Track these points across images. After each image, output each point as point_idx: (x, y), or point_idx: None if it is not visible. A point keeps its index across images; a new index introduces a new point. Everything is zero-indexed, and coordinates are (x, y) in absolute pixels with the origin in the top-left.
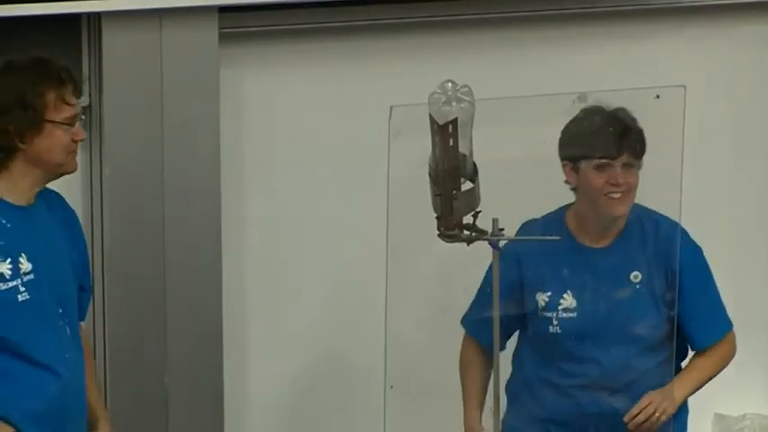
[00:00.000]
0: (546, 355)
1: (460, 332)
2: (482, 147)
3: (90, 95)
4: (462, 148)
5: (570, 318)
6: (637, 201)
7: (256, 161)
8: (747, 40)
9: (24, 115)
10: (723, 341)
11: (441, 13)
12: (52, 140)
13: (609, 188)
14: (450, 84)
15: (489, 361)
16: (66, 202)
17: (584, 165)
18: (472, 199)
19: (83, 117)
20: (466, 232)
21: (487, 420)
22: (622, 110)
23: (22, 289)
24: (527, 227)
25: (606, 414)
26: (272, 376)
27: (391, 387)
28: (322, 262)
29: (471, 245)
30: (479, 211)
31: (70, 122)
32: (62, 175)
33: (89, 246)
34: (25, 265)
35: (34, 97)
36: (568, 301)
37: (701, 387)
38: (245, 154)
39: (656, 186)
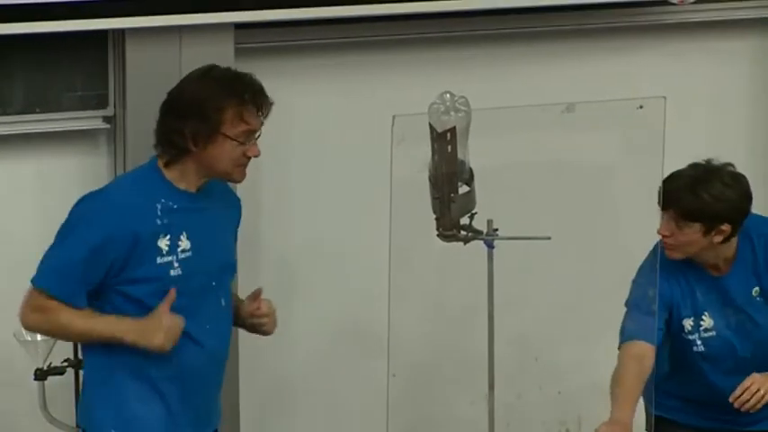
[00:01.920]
0: (690, 373)
1: (458, 323)
2: (478, 153)
3: (115, 106)
4: (460, 155)
5: (711, 336)
6: (621, 203)
7: (270, 167)
8: (726, 55)
9: (201, 124)
10: None
11: (439, 29)
12: (222, 151)
13: (659, 234)
14: (448, 95)
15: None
16: (230, 188)
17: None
18: (469, 201)
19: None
20: (463, 232)
21: None
22: (724, 174)
23: (176, 265)
24: (664, 260)
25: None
26: (280, 365)
27: (394, 375)
28: (330, 259)
29: (468, 244)
30: (475, 213)
31: (243, 139)
32: (230, 182)
33: None
34: (184, 243)
35: (214, 110)
36: (707, 321)
37: None
38: (260, 160)
39: (638, 191)
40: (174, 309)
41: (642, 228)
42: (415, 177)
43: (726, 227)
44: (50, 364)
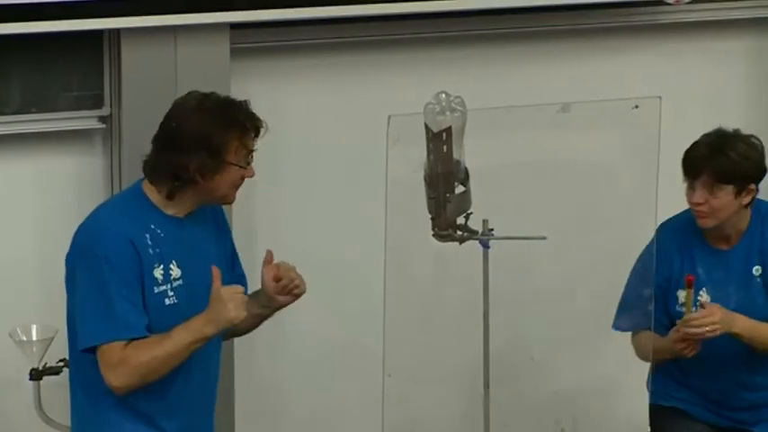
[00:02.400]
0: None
1: (453, 322)
2: (473, 153)
3: (110, 106)
4: (455, 155)
5: None
6: (617, 203)
7: (264, 167)
8: (721, 55)
9: (208, 157)
10: None
11: (435, 29)
12: (226, 178)
13: (692, 205)
14: (444, 95)
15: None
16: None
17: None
18: (464, 201)
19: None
20: (458, 232)
21: None
22: (741, 137)
23: (171, 293)
24: (666, 225)
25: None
26: (276, 366)
27: (389, 375)
28: (325, 259)
29: (463, 244)
30: (471, 213)
31: (245, 163)
32: (224, 204)
33: None
34: (175, 272)
35: (220, 143)
36: (704, 297)
37: (758, 339)
38: (255, 161)
39: (634, 190)
40: None
41: (638, 227)
42: (411, 177)
43: (752, 186)
44: (46, 364)
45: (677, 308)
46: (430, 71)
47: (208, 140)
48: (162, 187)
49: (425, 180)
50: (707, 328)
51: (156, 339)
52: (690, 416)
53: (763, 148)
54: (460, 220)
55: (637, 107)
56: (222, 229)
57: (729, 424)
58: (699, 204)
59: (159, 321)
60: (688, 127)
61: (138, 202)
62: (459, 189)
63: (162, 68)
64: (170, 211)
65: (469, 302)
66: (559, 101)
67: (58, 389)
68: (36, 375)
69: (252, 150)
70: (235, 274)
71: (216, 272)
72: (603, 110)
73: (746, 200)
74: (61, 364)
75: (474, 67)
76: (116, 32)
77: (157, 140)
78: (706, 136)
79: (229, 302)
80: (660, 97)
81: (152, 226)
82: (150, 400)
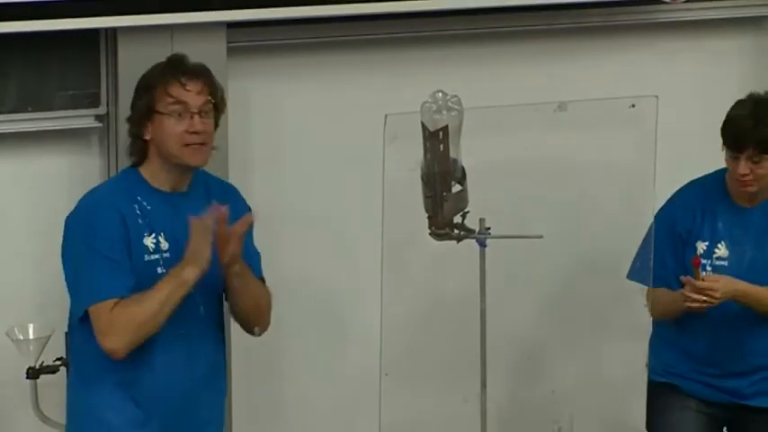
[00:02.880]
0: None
1: (451, 321)
2: (470, 152)
3: (107, 105)
4: (452, 153)
5: (722, 265)
6: (613, 202)
7: (262, 165)
8: (718, 54)
9: (139, 109)
10: None
11: (431, 28)
12: (162, 130)
13: (738, 176)
14: (440, 94)
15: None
16: (225, 185)
17: (725, 151)
18: (461, 200)
19: (213, 111)
20: (455, 231)
21: None
22: (760, 104)
23: (161, 263)
24: (693, 182)
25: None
26: (272, 365)
27: (386, 374)
28: (322, 257)
29: (460, 243)
30: (467, 212)
31: (175, 113)
32: (188, 167)
33: None
34: (163, 244)
35: (144, 91)
36: (722, 250)
37: (759, 305)
38: (252, 159)
39: (631, 189)
40: None
41: (635, 225)
42: (408, 176)
43: None
44: (42, 362)
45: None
46: (427, 70)
47: (138, 93)
48: (131, 155)
49: (422, 179)
50: (705, 298)
51: (140, 295)
52: (683, 392)
53: None
54: (457, 219)
55: (633, 106)
56: (234, 212)
57: (724, 398)
58: (745, 175)
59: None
60: (684, 126)
61: (127, 179)
62: (456, 188)
63: None
64: (155, 185)
65: (466, 301)
66: (556, 100)
67: (54, 388)
68: (33, 374)
69: (184, 102)
70: (247, 251)
71: (192, 221)
72: (600, 109)
73: None
74: (58, 362)
75: (470, 65)
76: (113, 31)
77: None
78: (741, 107)
79: (198, 241)
80: (657, 96)
81: (139, 198)
82: (136, 382)
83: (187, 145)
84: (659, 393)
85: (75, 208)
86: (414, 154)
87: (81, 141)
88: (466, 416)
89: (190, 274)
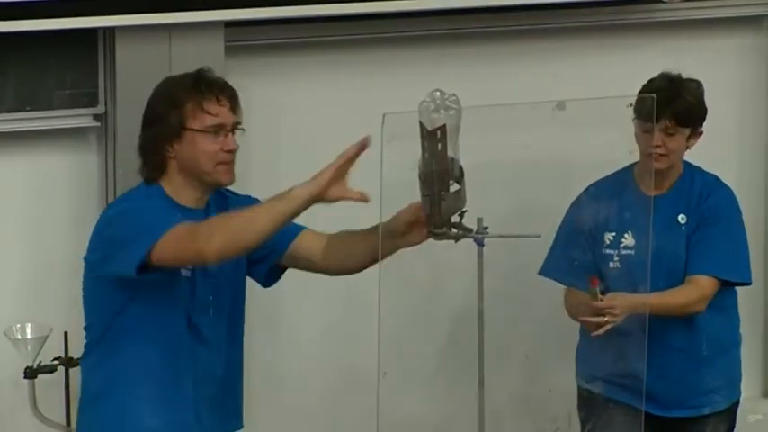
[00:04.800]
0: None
1: (449, 320)
2: (468, 151)
3: (105, 104)
4: (450, 152)
5: (629, 254)
6: None
7: (260, 164)
8: (717, 53)
9: (168, 126)
10: (705, 280)
11: (430, 27)
12: (194, 148)
13: (651, 148)
14: (438, 93)
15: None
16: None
17: (636, 125)
18: (459, 200)
19: (243, 129)
20: (453, 230)
21: None
22: (688, 81)
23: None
24: (599, 182)
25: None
26: (269, 364)
27: (384, 373)
28: None
29: (458, 242)
30: (465, 211)
31: (212, 131)
32: (218, 185)
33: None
34: None
35: (172, 108)
36: (629, 240)
37: (662, 312)
38: (250, 158)
39: None
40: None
41: None
42: (406, 175)
43: (701, 129)
44: (40, 362)
45: (603, 250)
46: (425, 69)
47: (161, 108)
48: (145, 170)
49: (420, 178)
50: (606, 318)
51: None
52: (612, 401)
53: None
54: (455, 218)
55: (631, 105)
56: None
57: (649, 407)
58: (657, 147)
59: (170, 291)
60: None
61: (154, 194)
62: (454, 187)
63: (156, 66)
64: (180, 201)
65: (464, 300)
66: (555, 98)
67: (52, 387)
68: (31, 374)
69: (221, 121)
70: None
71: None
72: (599, 108)
73: (693, 143)
74: (56, 362)
75: (469, 64)
76: (111, 30)
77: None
78: (657, 81)
79: (329, 167)
80: (654, 96)
81: (174, 211)
82: (167, 369)
83: (220, 163)
84: (590, 403)
85: (109, 207)
86: (412, 153)
87: (79, 140)
88: (464, 415)
89: (301, 190)
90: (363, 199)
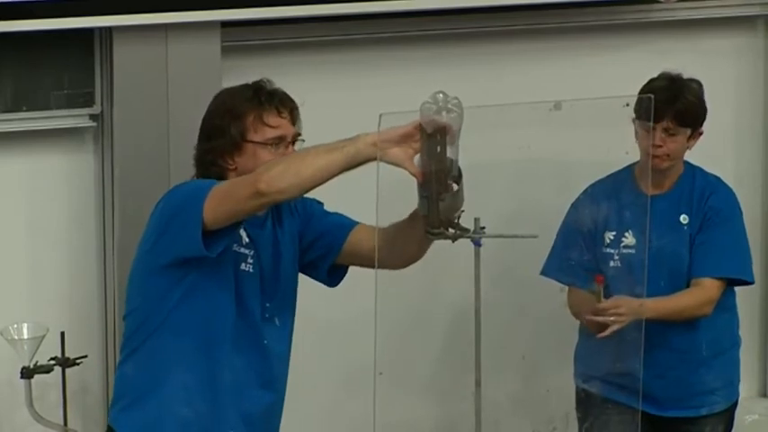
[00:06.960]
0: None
1: (446, 320)
2: (465, 150)
3: (102, 104)
4: (449, 154)
5: (629, 254)
6: None
7: None
8: (712, 53)
9: (228, 138)
10: (711, 283)
11: (428, 27)
12: (255, 161)
13: (652, 149)
14: (441, 95)
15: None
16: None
17: (637, 125)
18: (457, 200)
19: (303, 140)
20: (450, 230)
21: None
22: (689, 81)
23: (251, 261)
24: (599, 181)
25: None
26: None
27: (381, 374)
28: None
29: (455, 242)
30: (462, 211)
31: (273, 143)
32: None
33: (101, 240)
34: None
35: (233, 118)
36: (629, 239)
37: (669, 317)
38: None
39: None
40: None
41: None
42: (403, 175)
43: (701, 129)
44: (37, 362)
45: (604, 249)
46: (422, 69)
47: (220, 120)
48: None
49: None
50: (612, 319)
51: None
52: (609, 401)
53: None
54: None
55: (628, 105)
56: (303, 217)
57: (647, 407)
58: (659, 147)
59: (229, 284)
60: None
61: None
62: (453, 188)
63: (153, 66)
64: None
65: (461, 300)
66: (552, 99)
67: (49, 387)
68: (27, 374)
69: (282, 133)
70: (330, 221)
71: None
72: (595, 108)
73: (693, 143)
74: (52, 362)
75: (466, 64)
76: (107, 30)
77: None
78: (657, 81)
79: (398, 128)
80: (652, 96)
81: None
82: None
83: None
84: (588, 403)
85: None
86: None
87: (75, 141)
88: (461, 415)
89: (366, 136)
90: (417, 175)
